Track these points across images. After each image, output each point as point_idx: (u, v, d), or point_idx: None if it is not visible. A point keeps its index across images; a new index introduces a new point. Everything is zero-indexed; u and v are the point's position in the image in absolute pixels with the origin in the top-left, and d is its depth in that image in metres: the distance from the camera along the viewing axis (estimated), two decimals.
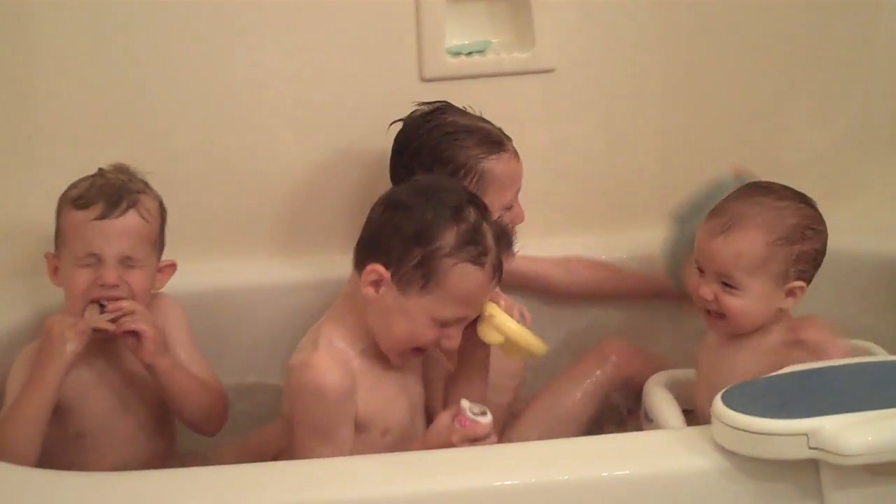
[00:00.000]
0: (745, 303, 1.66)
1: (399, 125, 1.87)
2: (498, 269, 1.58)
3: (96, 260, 1.67)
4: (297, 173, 2.05)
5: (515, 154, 1.84)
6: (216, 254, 2.01)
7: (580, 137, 2.07)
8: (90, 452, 1.71)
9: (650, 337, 2.06)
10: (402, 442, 1.64)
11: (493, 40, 2.09)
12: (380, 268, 1.55)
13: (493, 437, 1.56)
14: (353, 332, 1.61)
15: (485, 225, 1.57)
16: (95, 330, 1.65)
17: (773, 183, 1.72)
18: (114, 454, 1.72)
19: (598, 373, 1.92)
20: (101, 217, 1.67)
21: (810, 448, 1.38)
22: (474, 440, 1.53)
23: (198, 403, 1.74)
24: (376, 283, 1.56)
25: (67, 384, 1.66)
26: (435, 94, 2.03)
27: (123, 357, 1.74)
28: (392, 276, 1.55)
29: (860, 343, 1.81)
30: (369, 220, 1.60)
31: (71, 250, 1.68)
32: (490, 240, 1.57)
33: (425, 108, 1.87)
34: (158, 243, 1.75)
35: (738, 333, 1.70)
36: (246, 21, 1.99)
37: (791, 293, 1.66)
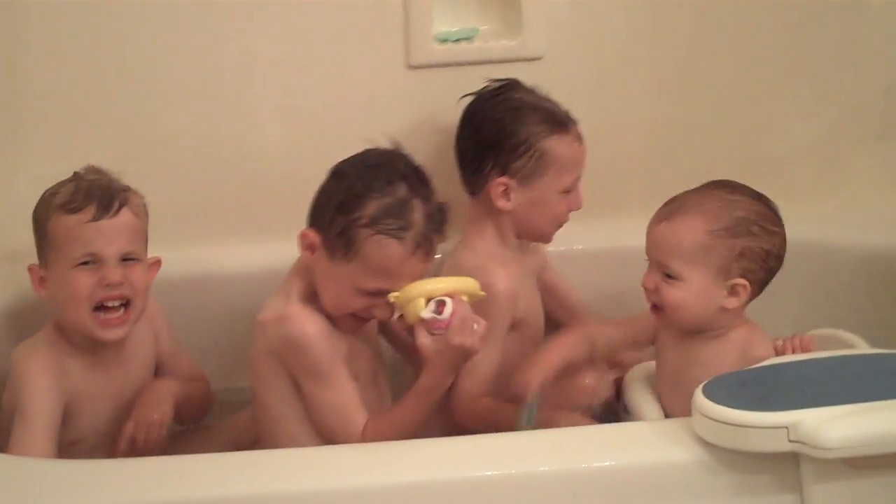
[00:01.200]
0: (684, 295, 1.61)
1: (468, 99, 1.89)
2: (423, 245, 1.60)
3: (96, 261, 1.66)
4: (284, 160, 2.05)
5: (579, 137, 1.84)
6: (202, 240, 2.00)
7: None
8: (81, 455, 1.70)
9: None
10: (366, 391, 1.67)
11: (481, 27, 2.08)
12: (310, 232, 1.62)
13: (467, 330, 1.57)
14: (312, 295, 1.65)
15: (414, 201, 1.60)
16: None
17: (733, 181, 1.68)
18: (103, 455, 1.72)
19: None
20: (97, 218, 1.66)
21: (790, 441, 1.38)
22: (448, 334, 1.57)
23: (195, 413, 1.81)
24: (310, 247, 1.62)
25: (67, 395, 1.68)
26: (422, 81, 2.03)
27: (122, 364, 1.74)
28: (321, 241, 1.61)
29: (839, 333, 1.80)
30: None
31: (67, 255, 1.66)
32: (417, 216, 1.59)
33: (496, 83, 1.88)
34: (147, 239, 1.75)
35: (681, 328, 1.66)
36: (233, 8, 1.98)
37: (733, 292, 1.61)
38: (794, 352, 1.65)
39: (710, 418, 1.42)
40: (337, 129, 2.02)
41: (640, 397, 1.72)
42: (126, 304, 1.69)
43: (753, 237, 1.60)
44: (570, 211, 1.85)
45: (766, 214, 1.62)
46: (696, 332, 1.65)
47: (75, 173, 1.73)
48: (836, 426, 1.37)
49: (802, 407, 1.40)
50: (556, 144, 1.80)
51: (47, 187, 1.73)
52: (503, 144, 1.80)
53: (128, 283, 1.67)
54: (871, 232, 2.10)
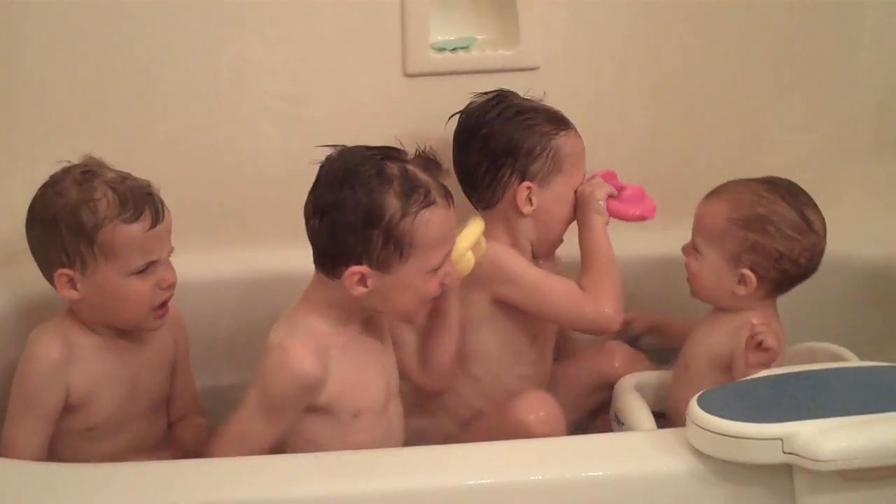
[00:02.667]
0: (699, 266, 1.75)
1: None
2: (446, 193, 1.59)
3: (152, 265, 1.67)
4: (278, 166, 2.04)
5: (577, 133, 1.87)
6: (195, 246, 1.98)
7: None
8: (94, 441, 1.71)
9: None
10: (374, 425, 1.64)
11: (478, 37, 2.08)
12: (356, 268, 1.55)
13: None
14: (329, 310, 1.60)
15: (407, 167, 1.57)
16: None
17: (786, 181, 1.76)
18: (116, 440, 1.72)
19: (598, 376, 1.94)
20: (154, 225, 1.66)
21: (784, 453, 1.39)
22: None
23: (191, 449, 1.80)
24: (362, 281, 1.56)
25: (83, 383, 1.67)
26: (418, 89, 2.03)
27: (135, 351, 1.74)
28: (371, 267, 1.55)
29: (831, 347, 1.82)
30: (316, 233, 1.57)
31: (124, 264, 1.65)
32: (423, 176, 1.58)
33: (482, 98, 1.89)
34: None
35: (698, 296, 1.78)
36: (230, 13, 1.98)
37: (742, 280, 1.71)
38: None
39: (705, 429, 1.42)
40: (333, 136, 1.98)
41: (633, 406, 1.73)
42: None
43: (767, 236, 1.69)
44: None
45: (791, 220, 1.70)
46: (719, 306, 1.77)
47: (84, 171, 1.68)
48: (830, 438, 1.38)
49: (797, 419, 1.40)
50: (564, 141, 1.84)
51: None
52: (518, 150, 1.82)
53: (176, 277, 1.72)
54: (864, 246, 2.11)
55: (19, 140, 1.99)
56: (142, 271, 1.66)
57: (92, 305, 1.69)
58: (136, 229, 1.64)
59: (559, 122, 1.86)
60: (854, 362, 1.75)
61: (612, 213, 1.85)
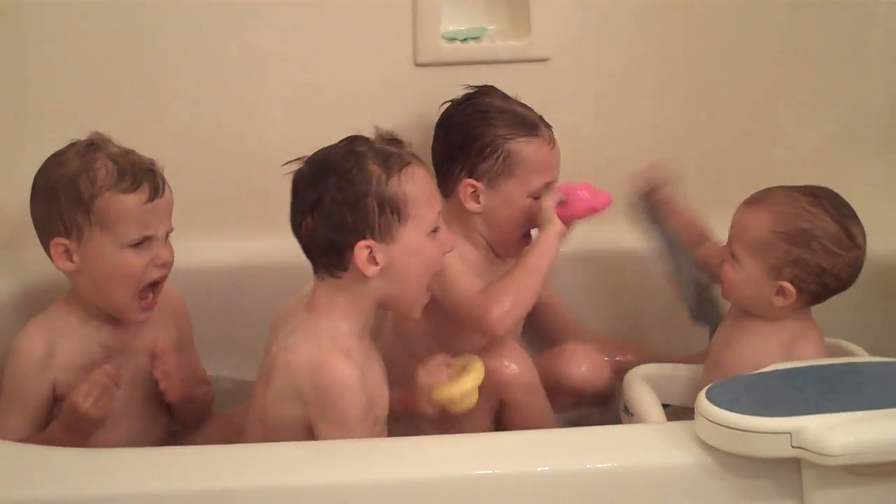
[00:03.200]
0: (736, 276, 1.70)
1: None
2: (416, 157, 1.61)
3: (147, 240, 1.66)
4: (288, 155, 2.01)
5: (550, 141, 1.84)
6: (205, 233, 2.00)
7: (573, 127, 2.06)
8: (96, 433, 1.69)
9: (643, 331, 2.07)
10: (382, 434, 1.63)
11: (489, 27, 2.08)
12: (363, 242, 1.54)
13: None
14: (349, 318, 1.59)
15: (375, 143, 1.60)
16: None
17: (834, 195, 1.71)
18: (116, 433, 1.71)
19: (553, 378, 1.86)
20: (152, 198, 1.65)
21: (793, 447, 1.39)
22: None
23: (195, 416, 1.80)
24: (372, 258, 1.55)
25: (73, 377, 1.66)
26: (429, 79, 2.03)
27: (132, 340, 1.74)
28: (375, 238, 1.54)
29: (842, 343, 1.82)
30: (311, 233, 1.58)
31: (119, 235, 1.64)
32: (390, 147, 1.59)
33: (471, 89, 1.90)
34: None
35: (731, 299, 1.75)
36: (240, 3, 1.98)
37: (781, 292, 1.67)
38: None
39: (713, 422, 1.42)
40: (343, 126, 1.98)
41: (642, 398, 1.73)
42: (155, 284, 1.71)
43: (811, 251, 1.65)
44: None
45: (834, 235, 1.66)
46: (752, 313, 1.73)
47: (90, 144, 1.68)
48: (838, 433, 1.38)
49: (806, 413, 1.40)
50: (521, 147, 1.81)
51: None
52: (470, 147, 1.82)
53: (172, 259, 1.70)
54: (874, 241, 2.09)
55: (27, 127, 1.99)
56: (137, 245, 1.65)
57: (86, 281, 1.68)
58: (132, 200, 1.64)
59: (525, 126, 1.83)
60: (864, 357, 1.76)
61: (564, 218, 1.81)
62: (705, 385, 1.54)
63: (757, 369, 1.61)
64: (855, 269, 1.69)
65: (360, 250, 1.54)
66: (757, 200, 1.71)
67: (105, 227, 1.64)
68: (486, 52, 2.05)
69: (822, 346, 1.70)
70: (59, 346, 1.69)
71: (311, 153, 1.62)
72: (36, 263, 1.77)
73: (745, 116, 2.18)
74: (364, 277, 1.56)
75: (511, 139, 1.81)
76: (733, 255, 1.71)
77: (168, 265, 1.70)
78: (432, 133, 1.91)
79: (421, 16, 2.00)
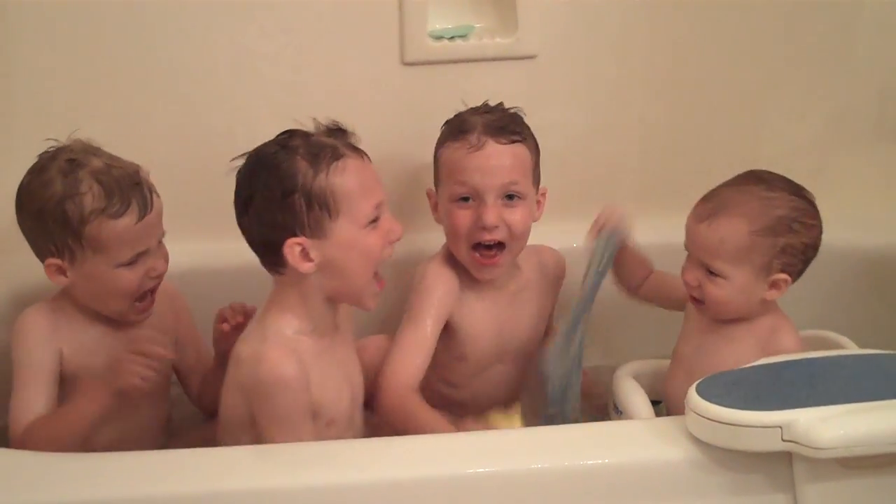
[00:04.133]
0: (726, 293, 1.66)
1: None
2: (355, 149, 1.59)
3: (142, 255, 1.67)
4: None
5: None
6: (194, 235, 1.99)
7: (561, 124, 2.07)
8: (99, 424, 1.68)
9: (626, 325, 2.07)
10: (342, 435, 1.62)
11: (476, 25, 2.08)
12: (293, 240, 1.53)
13: None
14: (298, 315, 1.59)
15: (312, 136, 1.58)
16: None
17: (769, 172, 1.71)
18: (120, 424, 1.71)
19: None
20: (142, 217, 1.65)
21: (784, 441, 1.39)
22: None
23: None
24: (305, 254, 1.54)
25: (76, 353, 1.68)
26: (416, 77, 2.03)
27: (131, 331, 1.74)
28: (306, 235, 1.54)
29: (831, 335, 1.82)
30: (248, 230, 1.58)
31: (112, 257, 1.65)
32: (327, 139, 1.58)
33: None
34: None
35: (721, 319, 1.71)
36: (227, 2, 1.97)
37: (774, 285, 1.67)
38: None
39: (704, 417, 1.42)
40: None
41: (630, 395, 1.73)
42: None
43: (794, 234, 1.65)
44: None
45: (803, 209, 1.66)
46: (732, 321, 1.71)
47: (71, 160, 1.66)
48: (829, 426, 1.38)
49: (796, 406, 1.40)
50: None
51: None
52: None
53: (167, 264, 1.72)
54: (863, 234, 2.11)
55: (15, 128, 1.99)
56: (130, 262, 1.66)
57: (82, 292, 1.69)
58: (123, 224, 1.64)
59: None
60: (853, 350, 1.76)
61: None
62: (679, 392, 1.54)
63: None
64: (821, 232, 1.69)
65: (291, 248, 1.54)
66: (713, 212, 1.66)
67: (97, 250, 1.64)
68: (474, 50, 2.05)
69: (797, 334, 1.70)
70: (60, 323, 1.70)
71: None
72: (27, 268, 1.76)
73: (733, 111, 2.18)
74: (303, 274, 1.55)
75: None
76: (712, 273, 1.66)
77: (162, 274, 1.71)
78: (420, 131, 1.90)
79: (408, 14, 2.00)
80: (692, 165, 2.13)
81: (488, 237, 1.77)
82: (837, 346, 1.79)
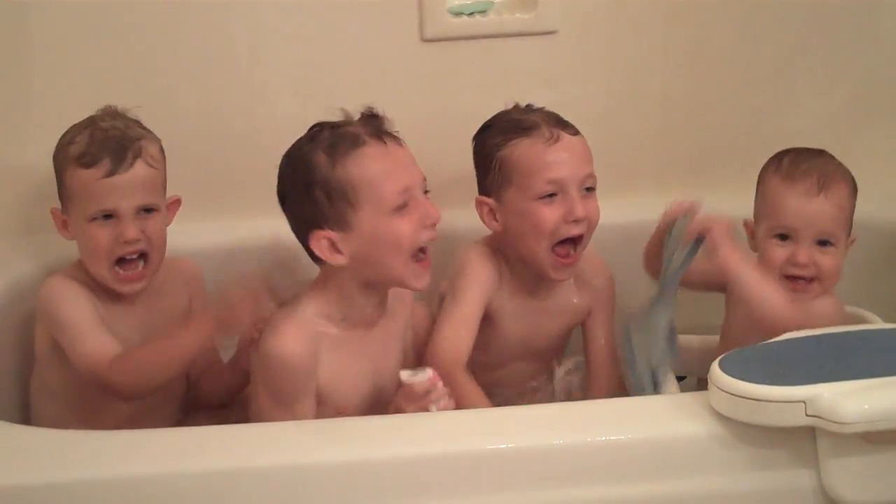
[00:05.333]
0: (838, 261, 1.70)
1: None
2: (380, 133, 1.56)
3: (112, 216, 1.67)
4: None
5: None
6: (214, 213, 2.00)
7: (581, 100, 2.06)
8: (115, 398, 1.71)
9: None
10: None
11: (496, 0, 2.07)
12: (319, 233, 1.54)
13: (442, 397, 1.53)
14: (331, 302, 1.59)
15: (341, 126, 1.57)
16: None
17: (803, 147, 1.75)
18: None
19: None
20: (110, 174, 1.66)
21: (807, 415, 1.38)
22: (416, 401, 1.51)
23: (215, 395, 1.83)
24: (334, 247, 1.54)
25: (109, 320, 1.69)
26: (436, 54, 2.02)
27: (149, 311, 1.75)
28: (332, 228, 1.54)
29: (856, 310, 1.81)
30: (291, 226, 1.59)
31: (82, 209, 1.67)
32: (353, 128, 1.56)
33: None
34: (165, 185, 1.75)
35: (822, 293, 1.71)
36: None
37: (851, 244, 1.73)
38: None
39: (728, 392, 1.41)
40: (350, 103, 1.99)
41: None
42: (144, 256, 1.70)
43: (856, 192, 1.72)
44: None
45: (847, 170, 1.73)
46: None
47: (92, 118, 1.73)
48: (853, 400, 1.37)
49: (820, 381, 1.39)
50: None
51: None
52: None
53: (144, 238, 1.69)
54: (888, 208, 2.10)
55: (34, 114, 2.00)
56: (98, 219, 1.67)
57: (78, 246, 1.72)
58: (87, 175, 1.66)
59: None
60: (878, 325, 1.75)
61: None
62: None
63: None
64: None
65: (318, 241, 1.54)
66: (823, 184, 1.68)
67: (72, 199, 1.69)
68: (493, 25, 2.04)
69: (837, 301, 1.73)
70: (83, 292, 1.70)
71: None
72: (55, 248, 1.81)
73: (755, 85, 2.16)
74: (340, 266, 1.55)
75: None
76: (826, 244, 1.68)
77: (131, 242, 1.68)
78: (440, 108, 1.90)
79: None
80: (714, 141, 2.12)
81: (576, 231, 1.73)
82: (863, 320, 1.78)
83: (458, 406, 1.59)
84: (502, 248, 1.81)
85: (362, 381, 1.63)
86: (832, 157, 1.73)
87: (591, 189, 1.75)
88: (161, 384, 1.62)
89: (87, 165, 1.66)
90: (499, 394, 1.81)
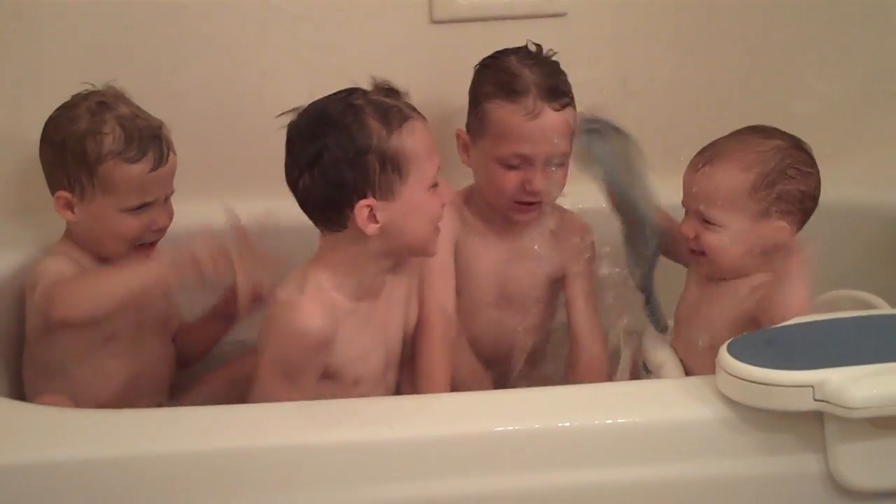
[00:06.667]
0: (723, 240, 1.65)
1: None
2: (414, 109, 1.58)
3: (147, 206, 1.71)
4: None
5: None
6: (223, 194, 1.99)
7: (590, 82, 2.04)
8: (115, 357, 1.76)
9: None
10: (372, 393, 1.63)
11: None
12: (364, 202, 1.52)
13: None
14: (342, 274, 1.58)
15: (372, 96, 1.56)
16: None
17: (765, 125, 1.71)
18: (132, 358, 1.77)
19: None
20: (155, 168, 1.70)
21: (815, 400, 1.38)
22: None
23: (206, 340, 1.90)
24: (372, 216, 1.54)
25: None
26: (445, 36, 2.02)
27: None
28: (376, 197, 1.53)
29: (863, 295, 1.80)
30: (310, 190, 1.55)
31: (120, 200, 1.69)
32: (389, 99, 1.56)
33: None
34: None
35: (721, 274, 1.69)
36: None
37: (776, 233, 1.65)
38: None
39: (735, 376, 1.41)
40: (358, 85, 2.00)
41: (661, 355, 1.72)
42: None
43: (790, 180, 1.64)
44: None
45: (800, 157, 1.66)
46: (729, 278, 1.68)
47: (102, 102, 1.72)
48: (861, 385, 1.37)
49: (828, 366, 1.39)
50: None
51: None
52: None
53: (170, 221, 1.75)
54: (893, 193, 2.09)
55: (42, 88, 1.98)
56: (135, 209, 1.70)
57: (83, 231, 1.74)
58: (136, 170, 1.68)
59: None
60: (886, 310, 1.74)
61: None
62: (680, 351, 1.54)
63: (732, 326, 1.62)
64: (820, 184, 1.68)
65: (361, 209, 1.53)
66: (709, 160, 1.67)
67: (107, 191, 1.69)
68: (503, 7, 2.03)
69: (803, 292, 1.62)
70: (74, 265, 1.73)
71: (306, 105, 1.58)
72: (55, 229, 1.80)
73: (764, 69, 2.16)
74: (363, 235, 1.54)
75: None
76: (708, 222, 1.66)
77: (163, 230, 1.75)
78: (449, 90, 1.89)
79: None
80: (723, 124, 2.10)
81: (530, 199, 1.79)
82: (869, 305, 1.77)
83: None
84: (474, 187, 1.87)
85: (374, 350, 1.64)
86: (763, 138, 1.67)
87: (559, 164, 1.78)
88: (104, 311, 1.63)
89: (134, 160, 1.68)
90: (481, 348, 1.86)
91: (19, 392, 1.80)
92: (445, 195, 1.61)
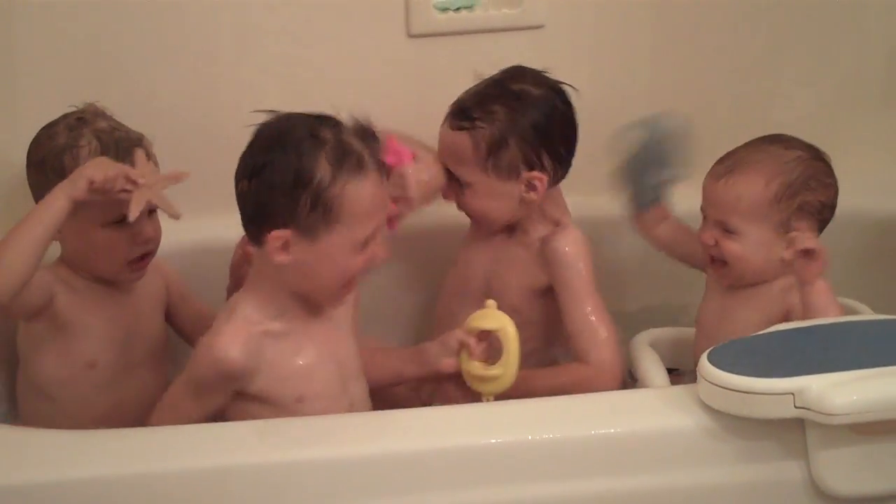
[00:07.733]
0: (745, 248, 1.68)
1: None
2: (379, 165, 1.53)
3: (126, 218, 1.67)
4: None
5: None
6: (202, 211, 1.99)
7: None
8: (98, 386, 1.73)
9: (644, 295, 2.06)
10: (329, 409, 1.59)
11: None
12: (279, 232, 1.49)
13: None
14: (268, 298, 1.56)
15: (343, 134, 1.52)
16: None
17: (785, 134, 1.74)
18: (119, 388, 1.75)
19: None
20: None
21: (796, 407, 1.38)
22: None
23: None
24: (285, 246, 1.50)
25: (70, 303, 1.70)
26: (422, 50, 2.02)
27: (124, 298, 1.76)
28: (294, 232, 1.49)
29: (846, 301, 1.81)
30: (244, 196, 1.53)
31: (97, 214, 1.66)
32: (357, 144, 1.52)
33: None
34: None
35: (742, 283, 1.71)
36: None
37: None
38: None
39: (716, 385, 1.42)
40: (337, 99, 1.98)
41: (647, 363, 1.73)
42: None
43: (811, 191, 1.68)
44: None
45: (821, 168, 1.70)
46: (750, 284, 1.71)
47: (81, 117, 1.72)
48: (842, 392, 1.37)
49: (808, 373, 1.40)
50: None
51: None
52: None
53: (157, 234, 1.73)
54: (875, 199, 2.10)
55: (20, 104, 1.98)
56: (117, 223, 1.66)
57: (72, 248, 1.72)
58: None
59: None
60: (867, 315, 1.75)
61: None
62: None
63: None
64: (837, 193, 1.72)
65: (275, 238, 1.49)
66: (730, 170, 1.70)
67: (85, 205, 1.63)
68: (480, 21, 2.04)
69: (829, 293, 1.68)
70: (59, 280, 1.71)
71: (287, 111, 1.56)
72: (50, 254, 1.76)
73: (743, 78, 2.17)
74: (277, 263, 1.52)
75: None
76: (729, 231, 1.69)
77: (151, 241, 1.72)
78: (426, 105, 1.89)
79: None
80: (701, 133, 2.11)
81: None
82: (852, 311, 1.79)
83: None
84: None
85: (318, 367, 1.60)
86: (784, 149, 1.70)
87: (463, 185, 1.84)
88: (30, 260, 1.56)
89: None
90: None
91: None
92: (376, 258, 1.55)
